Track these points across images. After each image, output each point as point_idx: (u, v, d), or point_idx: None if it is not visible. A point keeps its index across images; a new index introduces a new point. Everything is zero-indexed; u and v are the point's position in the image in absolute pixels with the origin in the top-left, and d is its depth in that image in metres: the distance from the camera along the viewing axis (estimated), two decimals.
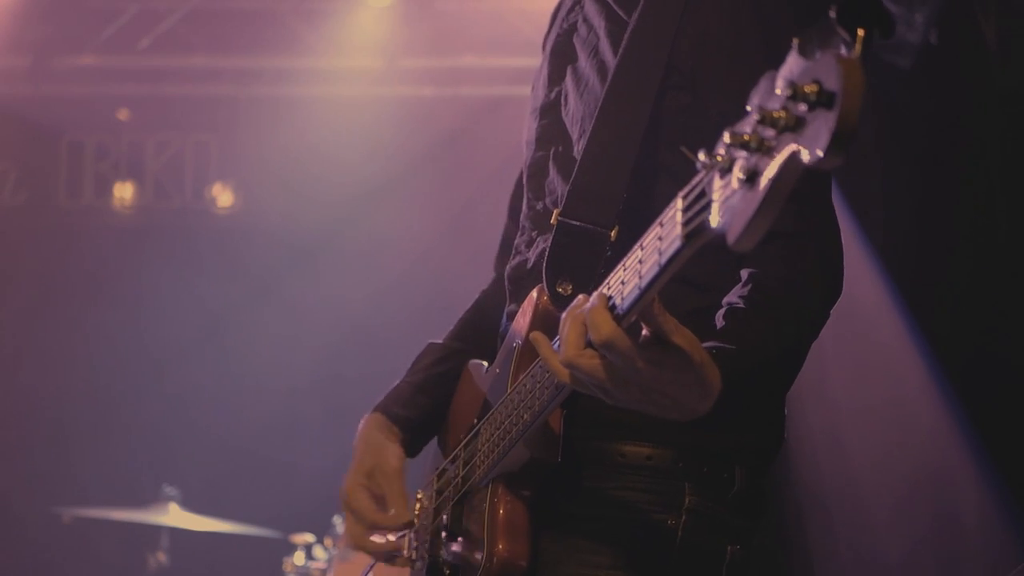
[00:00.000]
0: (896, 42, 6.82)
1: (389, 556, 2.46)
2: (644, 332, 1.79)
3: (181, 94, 7.74)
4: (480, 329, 2.52)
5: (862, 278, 6.32)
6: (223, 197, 7.94)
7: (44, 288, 7.77)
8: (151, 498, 6.51)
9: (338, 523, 5.81)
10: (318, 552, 5.92)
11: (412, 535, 2.45)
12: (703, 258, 1.68)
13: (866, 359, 6.46)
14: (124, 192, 8.00)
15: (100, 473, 7.25)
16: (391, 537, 2.43)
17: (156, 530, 6.57)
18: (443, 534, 2.33)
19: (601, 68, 2.30)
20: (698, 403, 1.84)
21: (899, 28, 6.82)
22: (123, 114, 7.92)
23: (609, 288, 1.78)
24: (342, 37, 7.43)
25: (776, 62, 2.11)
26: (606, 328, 1.74)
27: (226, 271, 7.58)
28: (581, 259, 2.13)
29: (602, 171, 2.19)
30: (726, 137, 1.47)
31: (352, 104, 7.60)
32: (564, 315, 1.84)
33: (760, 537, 2.25)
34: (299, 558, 5.94)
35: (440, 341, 2.63)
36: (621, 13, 2.31)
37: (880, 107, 6.67)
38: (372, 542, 2.45)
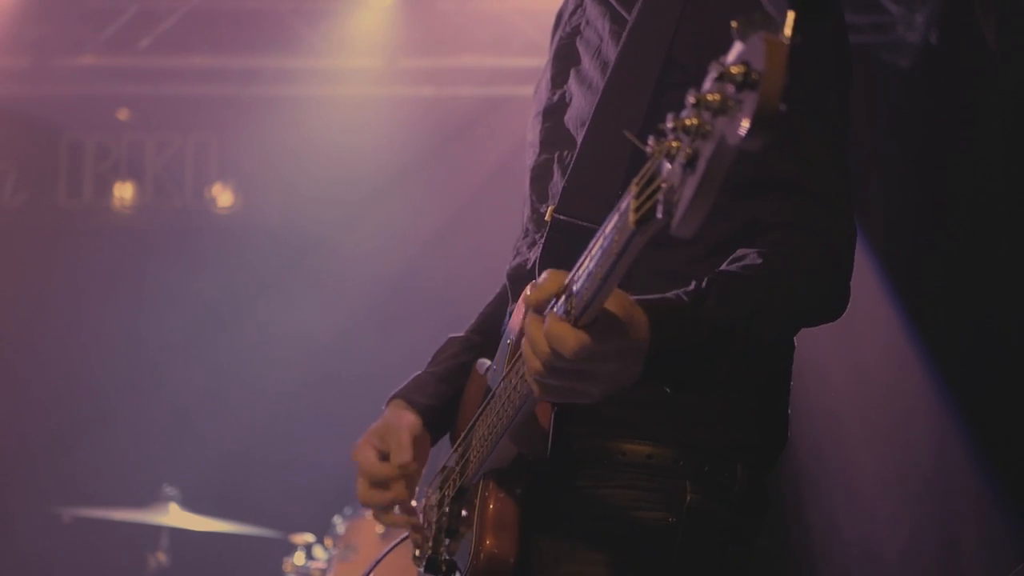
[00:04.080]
0: (896, 42, 6.82)
1: (387, 508, 2.45)
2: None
3: (181, 94, 7.74)
4: (499, 323, 2.51)
5: (862, 277, 6.31)
6: (223, 197, 7.94)
7: (44, 288, 7.76)
8: (151, 498, 6.50)
9: (338, 523, 5.81)
10: (318, 552, 5.92)
11: (420, 517, 2.47)
12: (676, 248, 1.67)
13: (866, 358, 6.46)
14: (124, 192, 8.00)
15: (100, 473, 7.25)
16: (393, 490, 2.42)
17: (156, 530, 6.56)
18: (442, 529, 2.34)
19: (604, 69, 2.28)
20: (634, 367, 1.85)
21: (899, 28, 6.82)
22: (123, 114, 7.92)
23: (574, 282, 1.77)
24: (342, 37, 7.42)
25: None
26: (571, 338, 1.75)
27: (226, 271, 7.58)
28: (575, 257, 2.12)
29: (598, 168, 2.17)
30: (669, 122, 1.49)
31: (352, 104, 7.60)
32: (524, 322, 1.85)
33: (762, 535, 2.25)
34: (299, 558, 5.94)
35: (461, 335, 2.62)
36: (622, 12, 2.30)
37: (880, 107, 6.67)
38: (374, 495, 2.44)
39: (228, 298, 7.54)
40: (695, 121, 1.43)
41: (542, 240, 2.23)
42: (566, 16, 2.51)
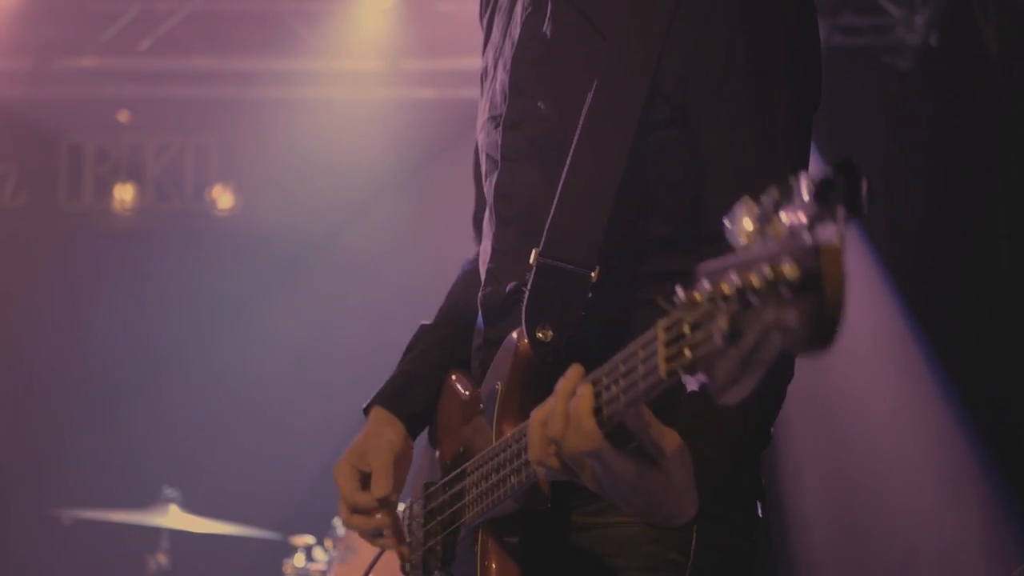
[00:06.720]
0: (896, 44, 6.82)
1: (372, 536, 2.41)
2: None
3: (181, 96, 7.74)
4: (470, 314, 2.40)
5: (863, 278, 6.31)
6: (223, 199, 7.94)
7: (44, 290, 7.76)
8: (151, 499, 6.50)
9: (338, 525, 5.80)
10: (318, 554, 5.92)
11: (406, 534, 2.43)
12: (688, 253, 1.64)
13: (866, 360, 6.45)
14: (124, 194, 8.00)
15: (100, 474, 7.25)
16: (376, 516, 2.38)
17: (156, 532, 6.55)
18: (436, 561, 2.30)
19: (581, 92, 2.13)
20: (687, 507, 1.89)
21: (899, 30, 6.82)
22: (123, 116, 7.92)
23: (598, 394, 1.75)
24: (343, 39, 7.42)
25: (765, 98, 2.04)
26: (592, 438, 1.75)
27: (226, 273, 7.57)
28: (561, 302, 2.06)
29: (582, 207, 2.09)
30: (706, 283, 1.45)
31: (353, 106, 7.59)
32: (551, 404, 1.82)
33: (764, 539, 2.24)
34: (299, 560, 5.93)
35: (431, 323, 2.57)
36: (602, 29, 2.15)
37: (880, 109, 6.68)
38: (355, 520, 2.41)
39: (228, 300, 7.54)
40: (737, 296, 1.39)
41: (521, 276, 2.15)
42: (518, 8, 2.29)
